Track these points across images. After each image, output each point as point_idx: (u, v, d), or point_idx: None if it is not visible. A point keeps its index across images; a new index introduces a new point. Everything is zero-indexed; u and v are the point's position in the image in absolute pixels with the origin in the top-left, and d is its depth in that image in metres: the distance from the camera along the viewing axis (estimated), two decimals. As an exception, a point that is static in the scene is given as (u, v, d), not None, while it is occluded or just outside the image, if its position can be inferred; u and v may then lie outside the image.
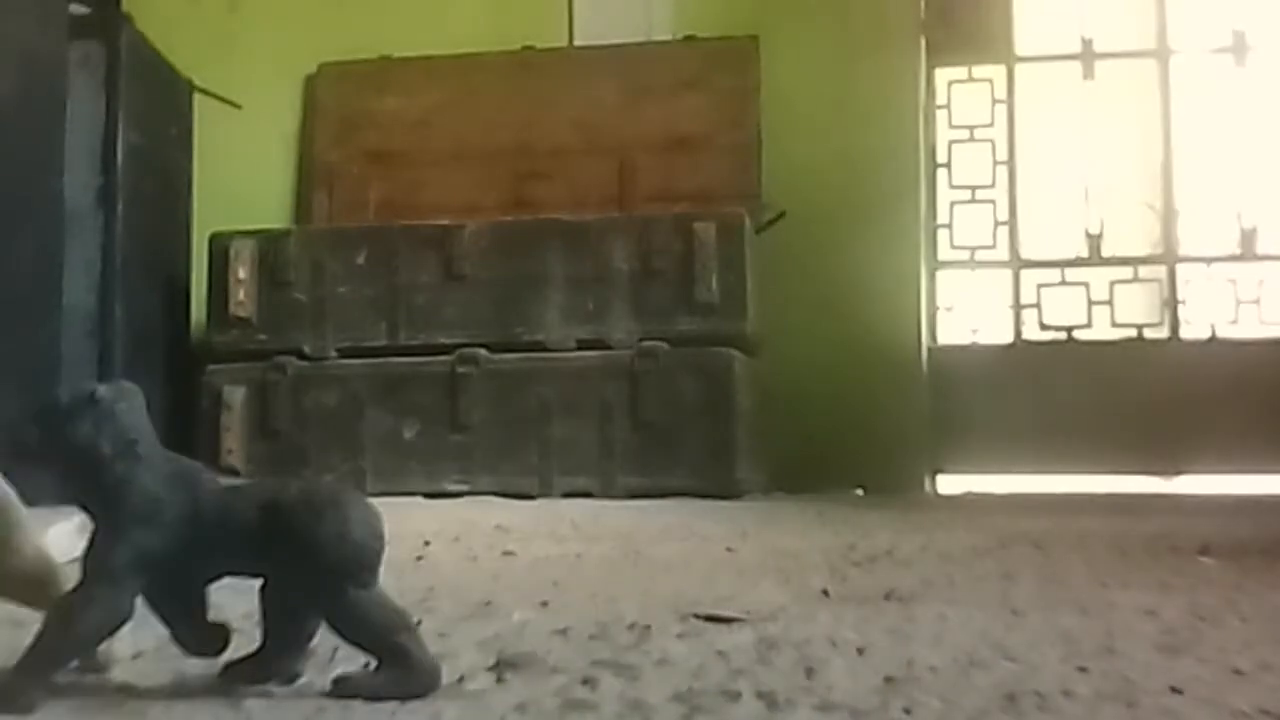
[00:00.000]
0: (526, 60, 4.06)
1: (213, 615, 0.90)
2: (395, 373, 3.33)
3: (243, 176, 4.06)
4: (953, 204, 4.03)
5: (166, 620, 0.89)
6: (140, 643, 1.08)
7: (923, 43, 4.03)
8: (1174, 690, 0.87)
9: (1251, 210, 3.91)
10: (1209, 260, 3.92)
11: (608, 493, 3.16)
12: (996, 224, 4.00)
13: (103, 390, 0.84)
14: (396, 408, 3.31)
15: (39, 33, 3.11)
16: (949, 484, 3.88)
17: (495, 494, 3.18)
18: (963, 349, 3.97)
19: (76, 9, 3.31)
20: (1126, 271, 3.94)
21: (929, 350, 3.92)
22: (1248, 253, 3.90)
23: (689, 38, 4.00)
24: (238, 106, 4.05)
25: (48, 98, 3.14)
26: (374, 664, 0.85)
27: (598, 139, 3.92)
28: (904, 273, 3.86)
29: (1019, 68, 4.05)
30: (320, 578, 0.82)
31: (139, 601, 0.84)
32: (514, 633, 1.12)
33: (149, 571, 0.82)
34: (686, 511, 2.62)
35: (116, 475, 0.82)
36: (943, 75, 4.06)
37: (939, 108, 4.06)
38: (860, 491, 3.60)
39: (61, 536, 1.74)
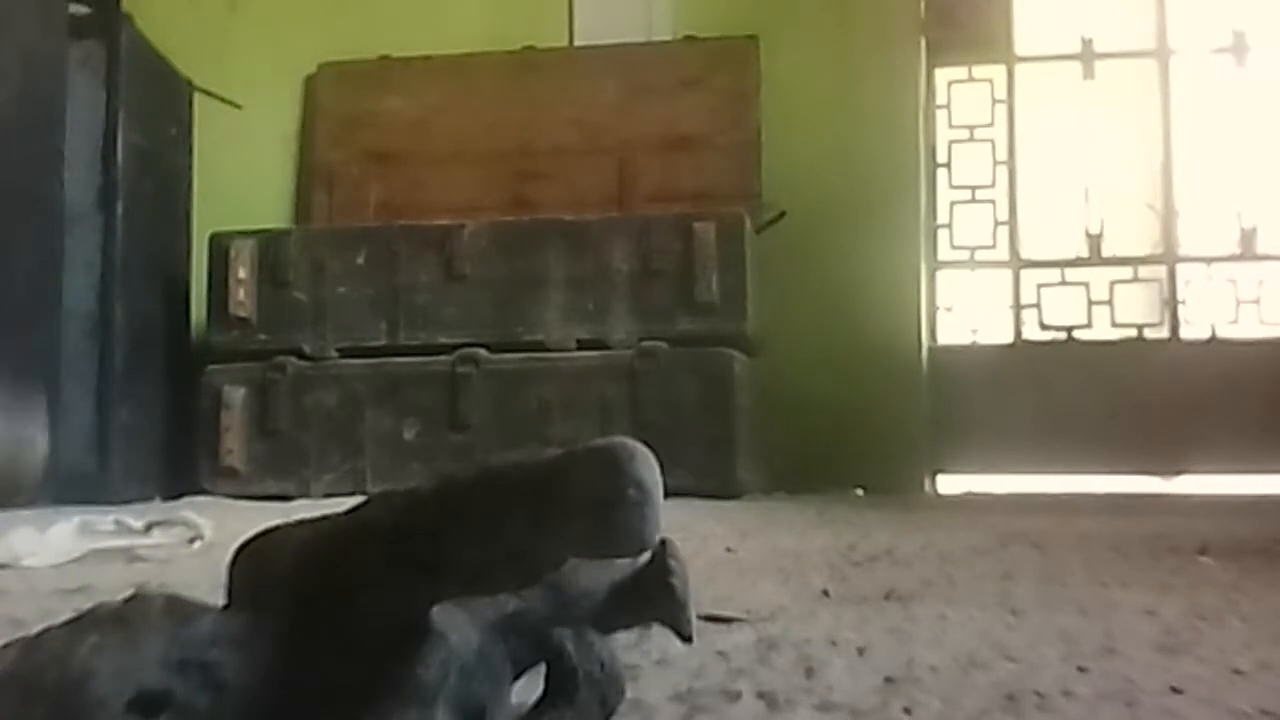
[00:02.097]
0: (526, 60, 4.06)
1: None
2: (395, 373, 3.33)
3: (243, 176, 4.06)
4: (953, 204, 4.03)
5: None
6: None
7: (923, 43, 4.03)
8: (1174, 690, 0.87)
9: (1251, 210, 3.91)
10: (1209, 260, 3.92)
11: (608, 493, 3.15)
12: (996, 224, 4.00)
13: None
14: (396, 408, 3.31)
15: (39, 33, 3.11)
16: (949, 484, 3.88)
17: (495, 494, 3.17)
18: (963, 349, 3.97)
19: (76, 9, 3.30)
20: (1126, 271, 3.94)
21: (929, 350, 3.92)
22: (1248, 253, 3.90)
23: (689, 38, 4.00)
24: (238, 106, 4.05)
25: (48, 98, 3.14)
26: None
27: (598, 139, 3.92)
28: (904, 273, 3.86)
29: (1019, 68, 4.05)
30: None
31: None
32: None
33: None
34: (686, 511, 2.62)
35: None
36: (943, 75, 4.06)
37: (939, 108, 4.06)
38: (860, 491, 3.60)
39: (62, 537, 1.74)
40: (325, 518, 0.61)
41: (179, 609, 0.56)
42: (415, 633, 0.57)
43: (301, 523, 0.63)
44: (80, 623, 0.54)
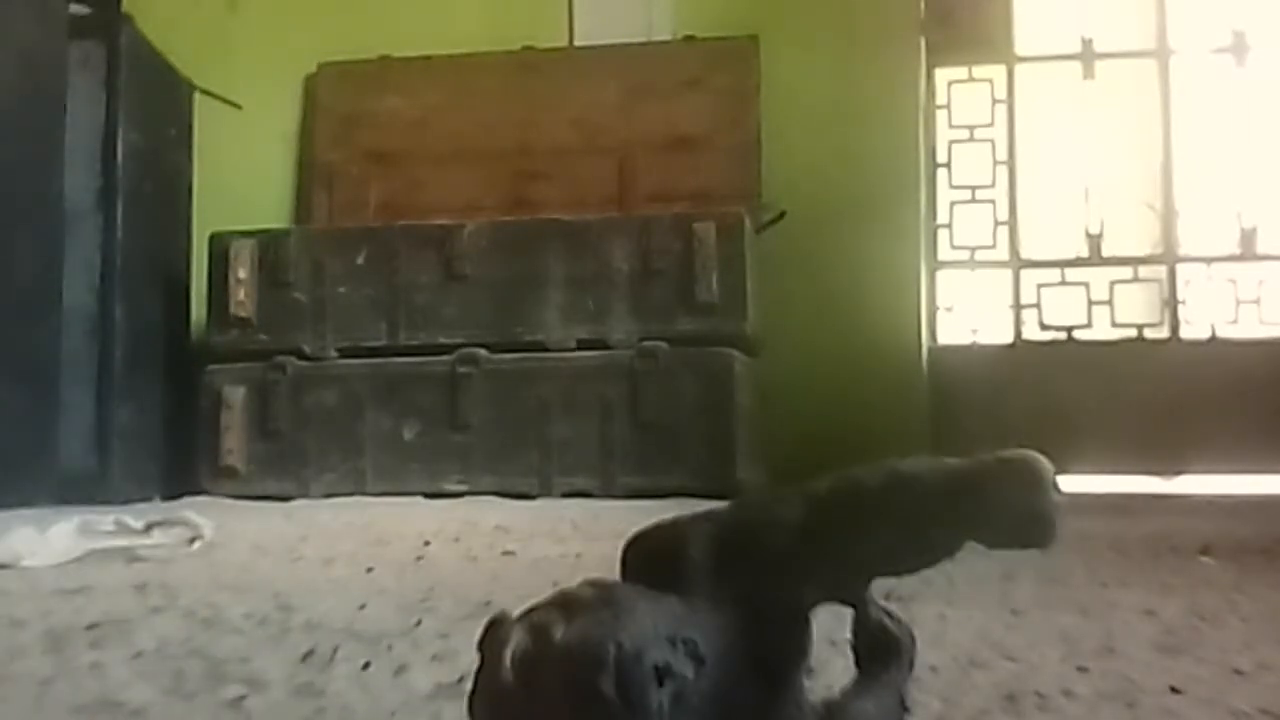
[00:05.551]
0: (526, 60, 4.06)
1: None
2: (395, 373, 3.33)
3: (243, 176, 4.06)
4: (953, 204, 4.03)
5: None
6: (140, 642, 1.08)
7: (923, 43, 4.03)
8: (1174, 690, 0.87)
9: (1251, 210, 3.91)
10: (1209, 260, 3.92)
11: (608, 492, 3.16)
12: (996, 224, 4.00)
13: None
14: (396, 408, 3.31)
15: (39, 33, 3.11)
16: (949, 484, 3.86)
17: (495, 494, 3.18)
18: (963, 349, 3.97)
19: (76, 9, 3.31)
20: (1126, 271, 3.94)
21: (929, 350, 3.92)
22: (1248, 253, 3.90)
23: (689, 38, 4.00)
24: (238, 106, 4.05)
25: (48, 98, 3.14)
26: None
27: (598, 139, 3.92)
28: (904, 273, 3.86)
29: (1019, 68, 4.05)
30: None
31: None
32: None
33: None
34: (686, 511, 2.61)
35: None
36: (943, 75, 4.06)
37: (939, 108, 4.06)
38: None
39: (62, 537, 1.74)
40: (717, 512, 0.70)
41: (634, 593, 0.63)
42: (802, 615, 0.66)
43: (696, 517, 0.71)
44: (569, 604, 0.60)
